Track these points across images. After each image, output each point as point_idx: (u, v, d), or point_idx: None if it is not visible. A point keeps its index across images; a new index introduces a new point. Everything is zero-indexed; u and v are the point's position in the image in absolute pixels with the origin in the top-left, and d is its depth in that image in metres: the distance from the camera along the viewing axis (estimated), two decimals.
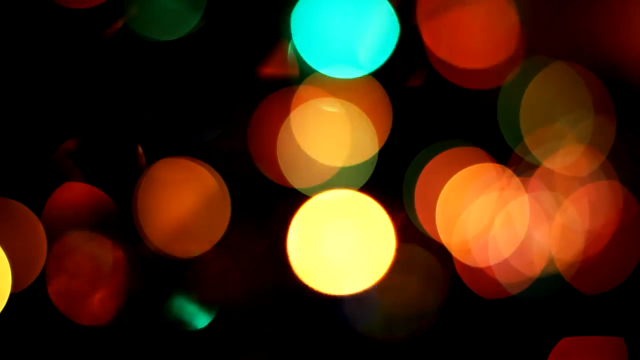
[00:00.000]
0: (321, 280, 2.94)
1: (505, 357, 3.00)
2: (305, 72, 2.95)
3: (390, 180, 2.97)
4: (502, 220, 2.98)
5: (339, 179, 2.96)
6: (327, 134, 2.97)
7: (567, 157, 2.99)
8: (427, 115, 3.01)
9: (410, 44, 2.97)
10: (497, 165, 2.99)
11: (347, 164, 2.97)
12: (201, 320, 2.97)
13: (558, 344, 2.97)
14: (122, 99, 2.96)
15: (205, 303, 2.96)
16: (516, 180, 2.98)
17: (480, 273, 2.96)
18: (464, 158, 2.99)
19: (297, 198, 2.94)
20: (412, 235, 2.97)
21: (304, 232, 2.95)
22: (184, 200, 2.96)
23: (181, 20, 2.92)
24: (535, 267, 2.95)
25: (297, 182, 2.94)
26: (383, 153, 2.96)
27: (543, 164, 2.98)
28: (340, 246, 2.97)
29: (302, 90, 2.95)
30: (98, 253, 2.92)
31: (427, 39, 2.98)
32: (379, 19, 2.97)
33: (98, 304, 2.93)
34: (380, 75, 2.96)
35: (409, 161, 2.98)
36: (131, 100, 2.96)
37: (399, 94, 2.97)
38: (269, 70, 2.98)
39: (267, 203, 2.95)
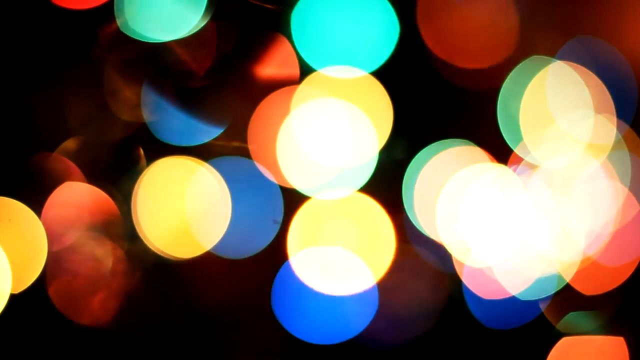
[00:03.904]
0: (321, 280, 2.95)
1: (505, 357, 3.00)
2: (305, 72, 2.95)
3: (390, 180, 2.97)
4: (502, 220, 2.98)
5: (339, 179, 2.96)
6: (327, 134, 2.97)
7: (567, 157, 2.99)
8: (427, 115, 3.01)
9: (410, 44, 2.97)
10: (497, 165, 2.99)
11: (347, 164, 2.97)
12: (200, 320, 2.97)
13: (558, 344, 2.97)
14: (122, 99, 2.96)
15: (204, 303, 2.96)
16: (516, 180, 2.98)
17: (480, 273, 2.96)
18: (464, 158, 2.99)
19: (297, 198, 2.94)
20: (412, 235, 2.97)
21: (304, 232, 2.95)
22: (183, 200, 2.96)
23: (181, 20, 2.92)
24: (535, 267, 2.96)
25: (297, 182, 2.94)
26: (383, 153, 2.96)
27: (543, 164, 2.98)
28: (340, 246, 2.97)
29: (302, 90, 2.95)
30: (98, 253, 2.92)
31: (427, 39, 2.98)
32: (379, 19, 2.97)
33: (98, 304, 2.93)
34: (380, 75, 2.96)
35: (409, 161, 2.98)
36: (131, 101, 2.96)
37: (399, 94, 2.98)
38: (269, 70, 2.98)
39: (268, 203, 2.95)
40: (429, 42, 2.98)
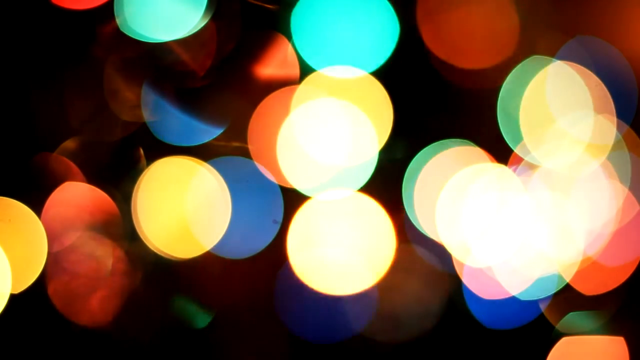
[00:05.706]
0: (321, 280, 2.94)
1: (505, 357, 3.00)
2: (305, 72, 2.95)
3: (390, 180, 2.97)
4: (502, 220, 2.98)
5: (339, 179, 2.96)
6: (327, 134, 2.97)
7: (567, 157, 2.99)
8: (427, 115, 3.01)
9: (410, 44, 2.97)
10: (497, 165, 2.99)
11: (347, 164, 2.97)
12: (201, 320, 2.97)
13: (558, 344, 2.97)
14: (122, 99, 2.96)
15: (204, 303, 2.96)
16: (516, 180, 2.98)
17: (480, 273, 2.96)
18: (464, 158, 2.99)
19: (297, 198, 2.94)
20: (412, 235, 2.97)
21: (304, 232, 2.95)
22: (183, 200, 2.96)
23: (181, 20, 2.92)
24: (535, 267, 2.96)
25: (297, 182, 2.94)
26: (383, 153, 2.96)
27: (543, 164, 2.98)
28: (340, 246, 2.97)
29: (302, 90, 2.95)
30: (98, 253, 2.92)
31: (427, 39, 2.98)
32: (379, 19, 2.97)
33: (98, 304, 2.93)
34: (380, 75, 2.96)
35: (409, 161, 2.98)
36: (131, 101, 2.96)
37: (399, 94, 2.98)
38: (269, 70, 2.98)
39: (268, 203, 2.95)
40: (429, 42, 2.98)
